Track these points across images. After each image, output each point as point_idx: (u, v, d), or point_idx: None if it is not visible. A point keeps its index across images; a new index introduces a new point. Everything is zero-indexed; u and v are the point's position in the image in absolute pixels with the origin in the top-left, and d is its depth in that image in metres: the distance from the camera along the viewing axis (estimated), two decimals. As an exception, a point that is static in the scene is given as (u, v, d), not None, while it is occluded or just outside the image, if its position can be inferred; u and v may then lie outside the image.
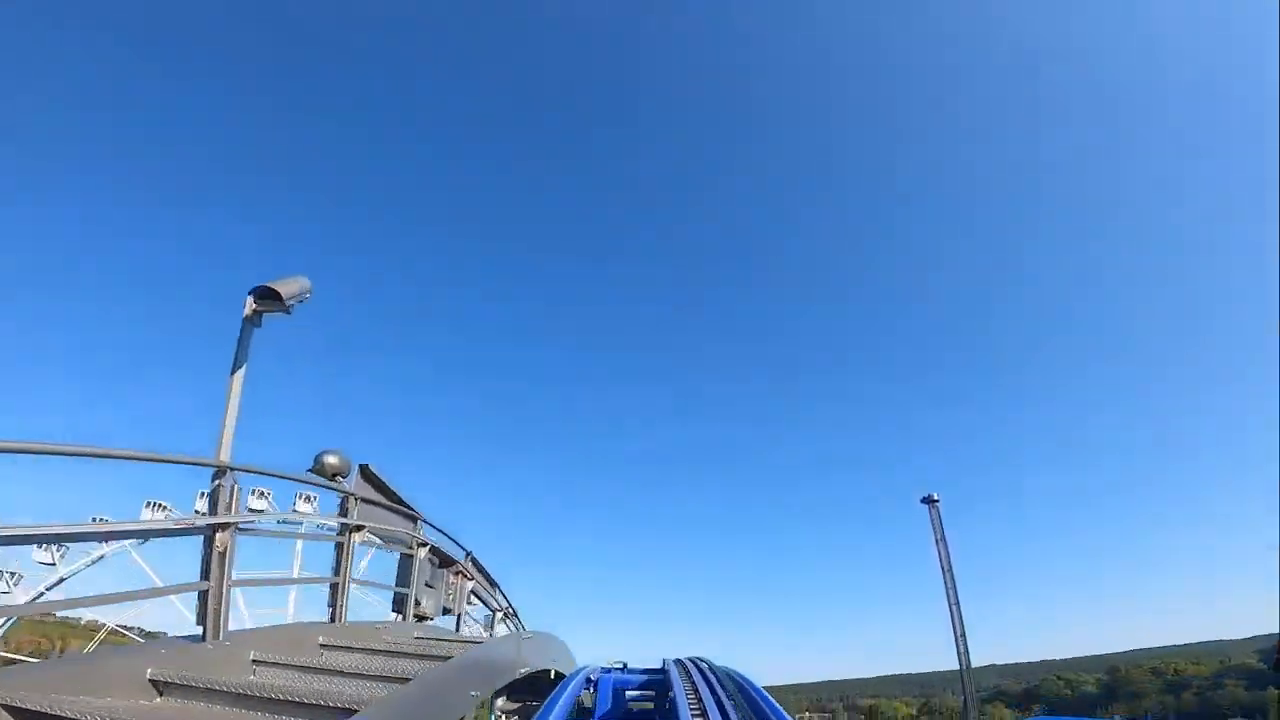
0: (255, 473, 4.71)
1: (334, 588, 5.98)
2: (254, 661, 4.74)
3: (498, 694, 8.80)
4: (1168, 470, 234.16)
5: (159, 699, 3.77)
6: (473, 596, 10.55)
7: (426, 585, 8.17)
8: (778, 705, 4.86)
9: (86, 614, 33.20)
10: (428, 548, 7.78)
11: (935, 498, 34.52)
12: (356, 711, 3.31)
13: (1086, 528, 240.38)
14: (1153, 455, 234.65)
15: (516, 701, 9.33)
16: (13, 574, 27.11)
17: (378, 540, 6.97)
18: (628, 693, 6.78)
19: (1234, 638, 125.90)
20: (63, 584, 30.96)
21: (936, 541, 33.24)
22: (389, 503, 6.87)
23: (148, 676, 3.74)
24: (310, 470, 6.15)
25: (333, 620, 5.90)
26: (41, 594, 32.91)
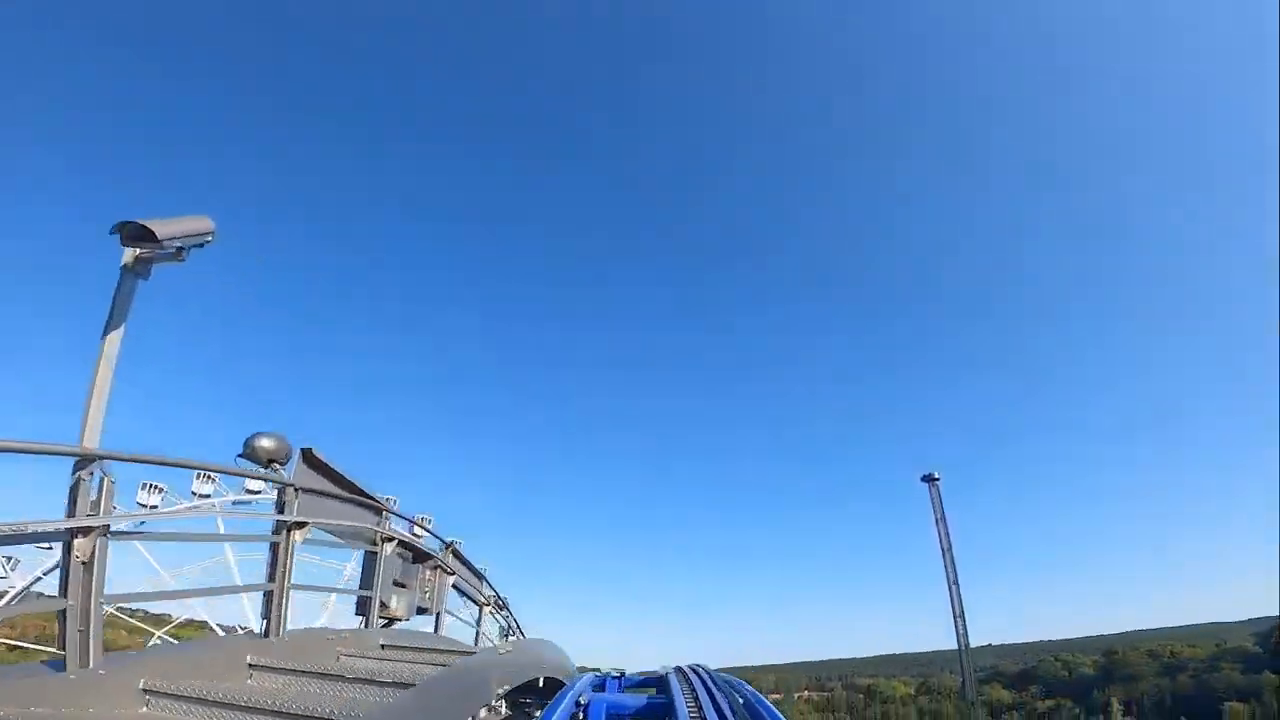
0: (136, 461, 3.65)
1: (268, 596, 4.98)
2: (145, 691, 3.75)
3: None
4: (1167, 452, 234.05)
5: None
6: (455, 591, 9.63)
7: (396, 584, 7.21)
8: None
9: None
10: (394, 543, 6.78)
11: (936, 476, 33.64)
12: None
13: (1085, 508, 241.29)
14: (1152, 437, 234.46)
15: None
16: (9, 558, 26.61)
17: (330, 537, 5.97)
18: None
19: (1231, 620, 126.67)
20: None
21: (936, 521, 32.47)
22: (343, 493, 5.84)
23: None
24: (240, 456, 5.10)
25: (267, 634, 4.92)
26: (38, 578, 32.53)
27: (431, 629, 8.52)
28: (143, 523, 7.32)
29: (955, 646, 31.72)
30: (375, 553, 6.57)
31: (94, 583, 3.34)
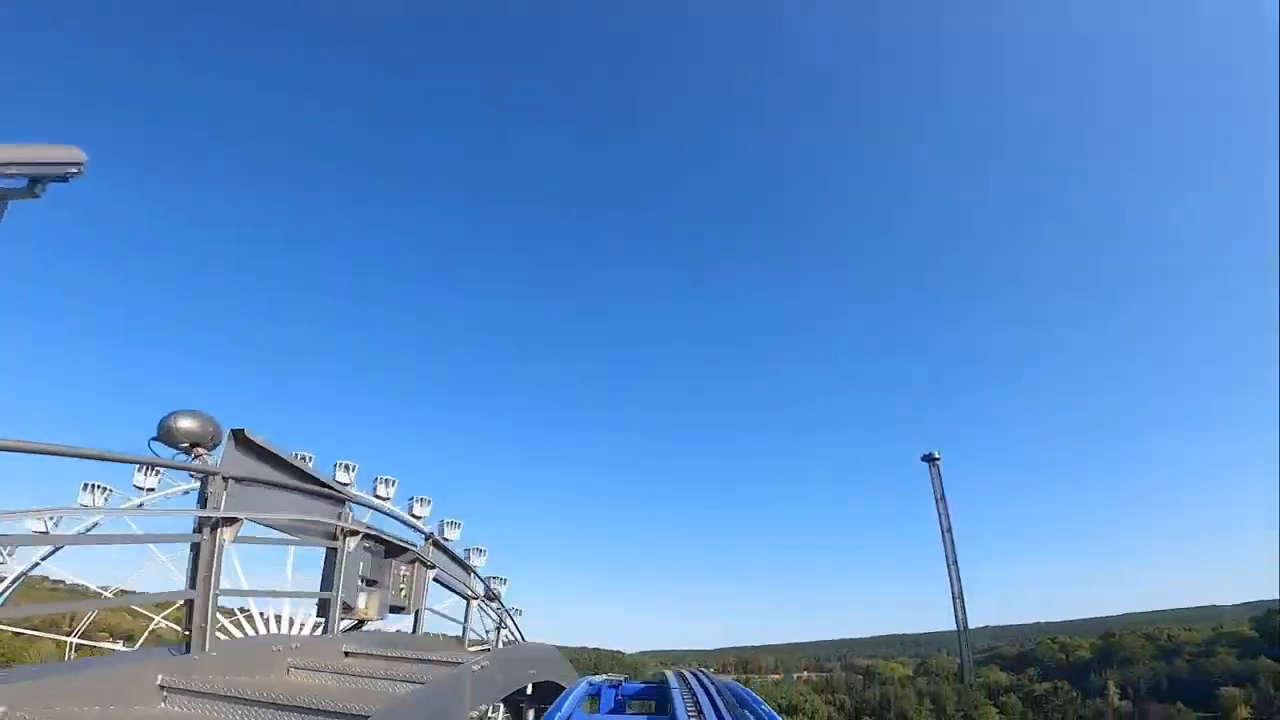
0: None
1: (190, 605, 4.12)
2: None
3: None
4: (1166, 436, 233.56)
5: None
6: (441, 586, 8.83)
7: (365, 582, 6.37)
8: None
9: (93, 579, 32.32)
10: (359, 536, 5.91)
11: (936, 456, 33.12)
12: None
13: (1083, 491, 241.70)
14: (1151, 418, 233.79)
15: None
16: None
17: (278, 534, 5.09)
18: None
19: (1227, 604, 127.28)
20: (58, 553, 29.89)
21: (936, 500, 31.93)
22: (290, 481, 4.95)
23: None
24: (154, 441, 4.18)
25: (188, 650, 4.06)
26: (36, 564, 31.97)
27: (410, 629, 7.74)
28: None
29: (954, 628, 31.42)
30: (336, 548, 5.71)
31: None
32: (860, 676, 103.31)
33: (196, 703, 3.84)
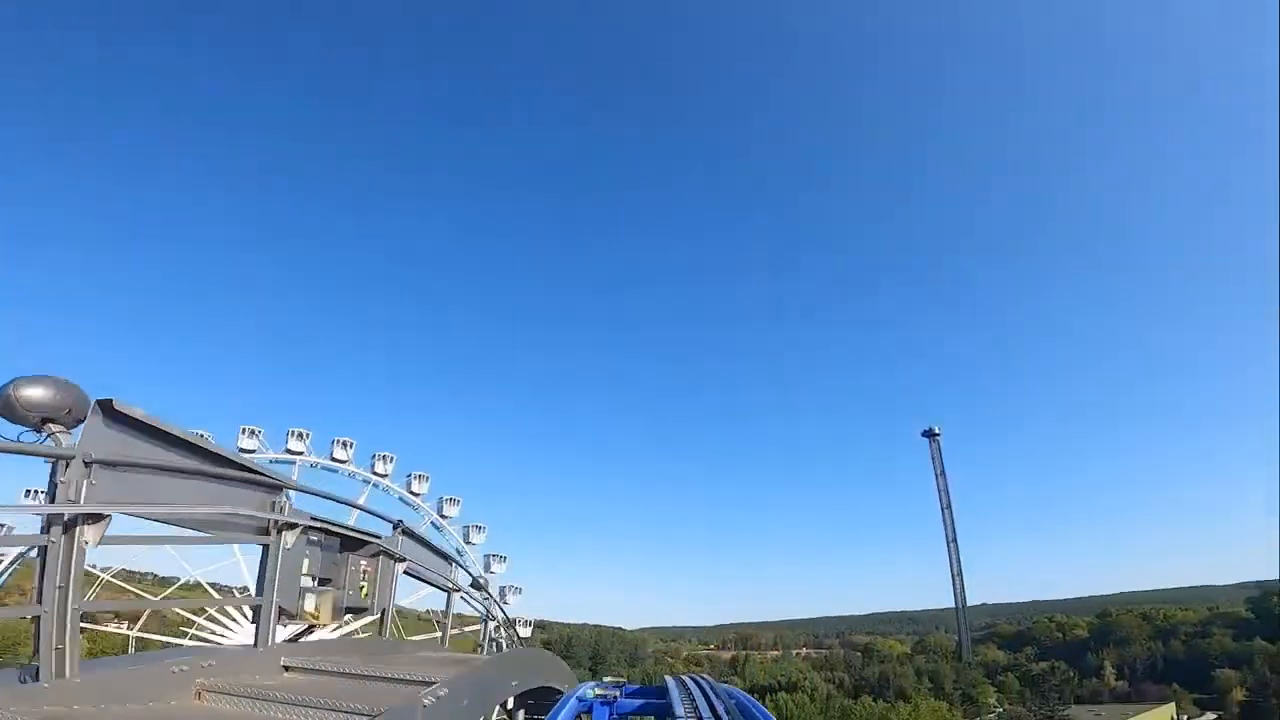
0: None
1: (39, 623, 3.11)
2: None
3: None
4: (1164, 418, 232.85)
5: None
6: (415, 579, 7.88)
7: (314, 581, 5.39)
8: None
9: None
10: (298, 530, 4.89)
11: (936, 431, 32.22)
12: None
13: (1081, 471, 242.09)
14: (1150, 397, 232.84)
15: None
16: None
17: (178, 530, 4.07)
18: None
19: (1222, 584, 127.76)
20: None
21: (936, 476, 31.15)
22: (192, 464, 3.90)
23: None
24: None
25: (37, 677, 3.07)
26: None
27: (378, 632, 6.80)
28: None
29: (951, 605, 30.88)
30: (269, 545, 4.70)
31: None
32: (859, 654, 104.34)
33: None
